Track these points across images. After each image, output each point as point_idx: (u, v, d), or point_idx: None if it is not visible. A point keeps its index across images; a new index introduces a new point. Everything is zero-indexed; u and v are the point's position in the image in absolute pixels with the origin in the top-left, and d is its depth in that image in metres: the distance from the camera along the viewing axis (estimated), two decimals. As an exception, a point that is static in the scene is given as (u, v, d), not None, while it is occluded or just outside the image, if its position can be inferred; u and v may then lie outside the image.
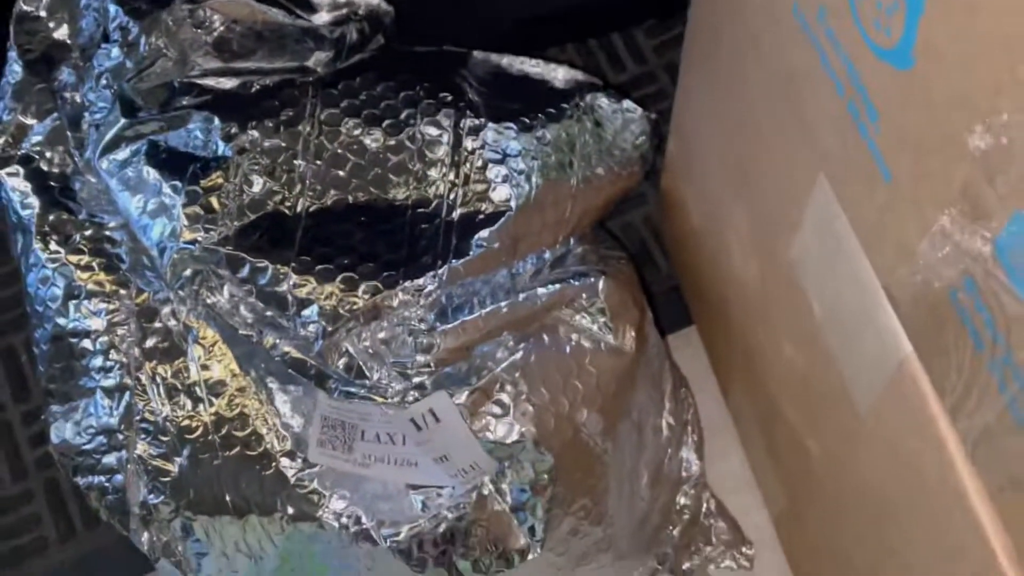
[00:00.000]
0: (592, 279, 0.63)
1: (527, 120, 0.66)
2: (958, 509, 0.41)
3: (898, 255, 0.39)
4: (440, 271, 0.60)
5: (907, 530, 0.47)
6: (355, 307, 0.59)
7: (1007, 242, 0.32)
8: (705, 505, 0.72)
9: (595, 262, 0.66)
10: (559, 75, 0.72)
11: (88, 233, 0.65)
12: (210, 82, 0.66)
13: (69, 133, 0.67)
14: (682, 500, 0.71)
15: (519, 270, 0.64)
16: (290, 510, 0.60)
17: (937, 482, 0.42)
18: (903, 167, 0.37)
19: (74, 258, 0.64)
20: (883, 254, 0.41)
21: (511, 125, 0.66)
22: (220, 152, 0.63)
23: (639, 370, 0.65)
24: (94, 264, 0.64)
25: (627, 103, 0.71)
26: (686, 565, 0.71)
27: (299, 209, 0.62)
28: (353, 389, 0.59)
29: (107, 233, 0.65)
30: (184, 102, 0.64)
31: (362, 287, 0.59)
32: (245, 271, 0.60)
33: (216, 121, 0.63)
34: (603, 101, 0.70)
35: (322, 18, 0.70)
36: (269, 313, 0.60)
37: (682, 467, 0.71)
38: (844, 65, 0.38)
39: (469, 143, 0.65)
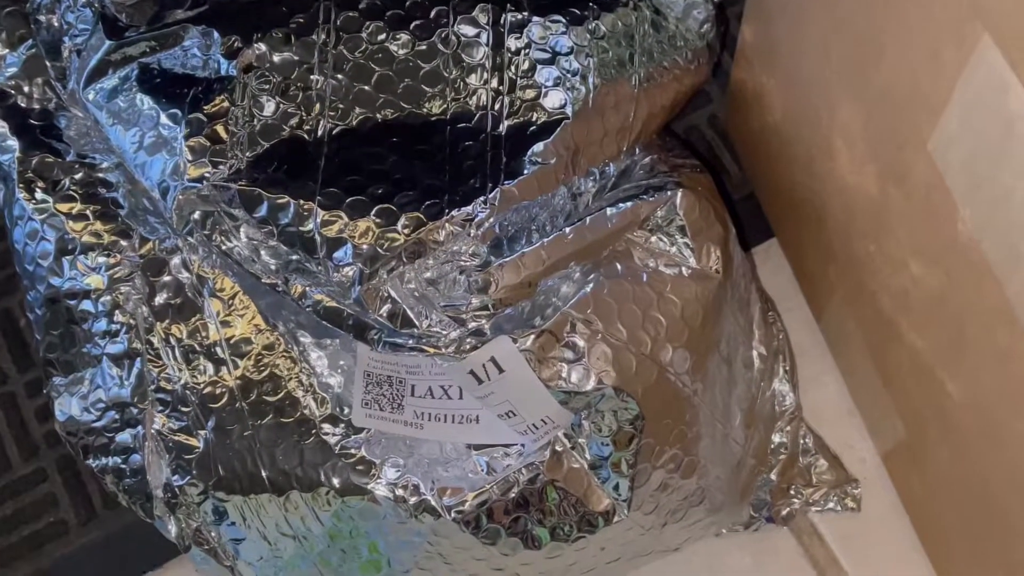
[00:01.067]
0: (668, 192, 0.54)
1: (577, 11, 0.57)
2: None
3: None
4: (491, 195, 0.51)
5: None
6: (395, 244, 0.50)
7: None
8: (802, 442, 0.64)
9: (667, 173, 0.57)
10: (609, -41, 0.62)
11: (78, 176, 0.56)
12: (205, -11, 0.56)
13: (48, 62, 0.59)
14: (777, 438, 0.63)
15: (580, 188, 0.55)
16: (336, 483, 0.52)
17: None
18: None
19: (64, 206, 0.56)
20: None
21: (559, 18, 0.56)
22: (223, 71, 0.54)
23: (726, 295, 0.56)
24: (88, 212, 0.56)
25: (688, -15, 0.61)
26: (785, 511, 0.63)
27: (320, 133, 0.53)
28: (399, 340, 0.51)
29: (100, 175, 0.56)
30: (177, 16, 0.55)
31: (402, 220, 0.50)
32: (263, 210, 0.51)
33: (215, 35, 0.54)
34: (661, -15, 0.61)
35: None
36: (295, 257, 0.51)
37: (775, 401, 0.63)
38: None
39: (512, 42, 0.55)
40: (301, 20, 0.54)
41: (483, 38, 0.55)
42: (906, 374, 0.54)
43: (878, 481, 0.64)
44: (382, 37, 0.54)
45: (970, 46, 0.36)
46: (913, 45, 0.40)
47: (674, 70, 0.59)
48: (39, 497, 0.67)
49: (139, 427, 0.54)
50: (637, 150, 0.58)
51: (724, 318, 0.56)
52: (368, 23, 0.55)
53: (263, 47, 0.54)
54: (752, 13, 0.58)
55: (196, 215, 0.52)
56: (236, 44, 0.54)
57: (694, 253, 0.54)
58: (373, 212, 0.51)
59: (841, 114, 0.49)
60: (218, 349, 0.54)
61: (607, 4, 0.58)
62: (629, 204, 0.53)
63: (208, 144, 0.52)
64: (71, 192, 0.56)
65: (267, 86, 0.53)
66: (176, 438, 0.53)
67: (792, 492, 0.63)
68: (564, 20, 0.56)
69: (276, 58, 0.53)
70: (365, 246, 0.50)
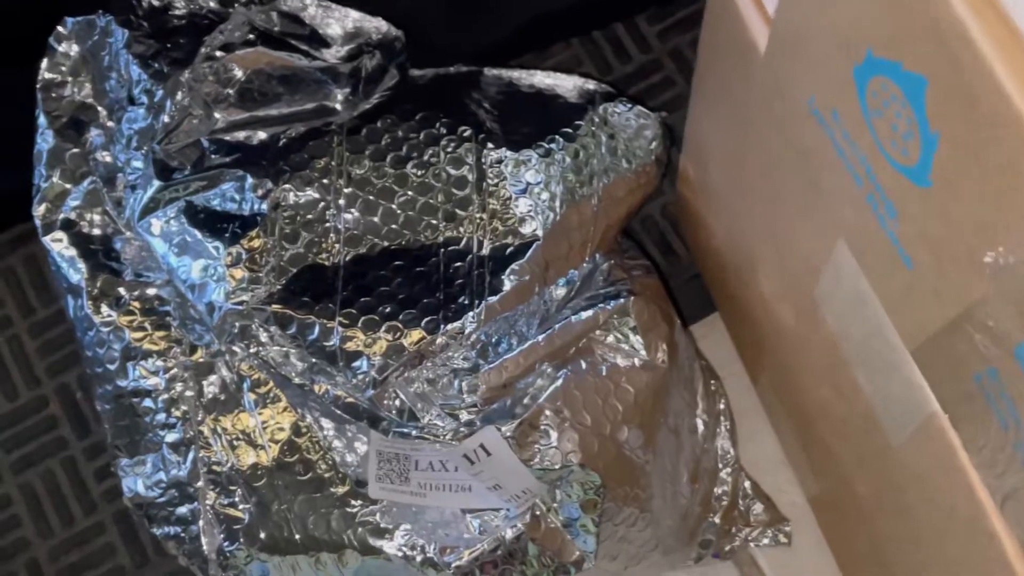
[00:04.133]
0: (622, 300, 0.66)
1: (545, 144, 0.69)
2: (990, 548, 0.44)
3: (921, 331, 0.42)
4: (478, 310, 0.63)
5: (940, 552, 0.51)
6: (402, 355, 0.62)
7: (1027, 353, 0.35)
8: (741, 488, 0.76)
9: (622, 278, 0.68)
10: (569, 86, 0.74)
11: (136, 293, 0.68)
12: (239, 136, 0.68)
13: (105, 192, 0.69)
14: (719, 488, 0.75)
15: (551, 295, 0.67)
16: (357, 545, 0.64)
17: (968, 521, 0.45)
18: (924, 262, 0.40)
19: (126, 319, 0.67)
20: (907, 325, 0.44)
21: (531, 154, 0.68)
22: (256, 209, 0.65)
23: (672, 378, 0.68)
24: (146, 324, 0.67)
25: (639, 108, 0.73)
26: (728, 547, 0.75)
27: (337, 259, 0.64)
28: (406, 430, 0.62)
29: (154, 291, 0.68)
30: (215, 160, 0.67)
31: (407, 335, 0.62)
32: (293, 328, 0.63)
33: (249, 179, 0.65)
34: (616, 110, 0.72)
35: (337, 52, 0.72)
36: (317, 361, 0.63)
37: (718, 457, 0.75)
38: (862, 165, 0.41)
39: (492, 177, 0.67)
40: (320, 164, 0.66)
41: (469, 175, 0.67)
42: (818, 452, 0.66)
43: (806, 519, 0.76)
44: (386, 177, 0.66)
45: (832, 242, 0.48)
46: (802, 229, 0.52)
47: (628, 186, 0.71)
48: (99, 546, 0.78)
49: (195, 503, 0.66)
50: (598, 256, 0.70)
51: (671, 397, 0.69)
52: (374, 165, 0.66)
53: (289, 188, 0.65)
54: (689, 154, 0.70)
55: (236, 329, 0.64)
56: (267, 186, 0.65)
57: (644, 348, 0.66)
58: (383, 328, 0.63)
59: (763, 259, 0.60)
60: (256, 436, 0.66)
61: (570, 135, 0.70)
62: (590, 312, 0.65)
63: (246, 273, 0.63)
64: (131, 307, 0.67)
65: (293, 222, 0.65)
66: (226, 512, 0.65)
67: (733, 531, 0.75)
68: (535, 155, 0.68)
69: (300, 198, 0.65)
70: (378, 358, 0.62)
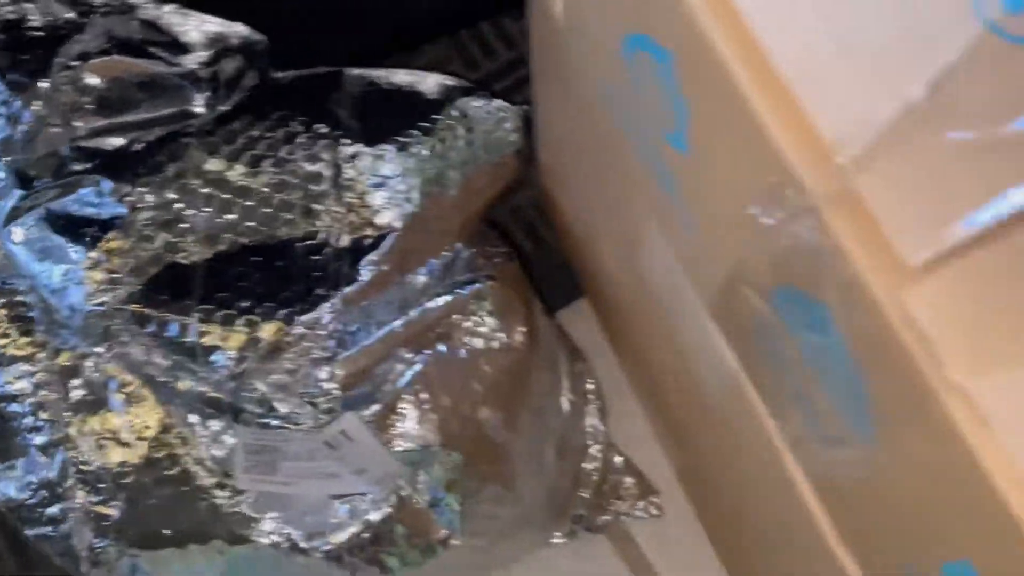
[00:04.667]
0: (479, 285, 0.68)
1: (401, 139, 0.71)
2: (789, 494, 0.47)
3: (711, 292, 0.45)
4: (334, 300, 0.65)
5: (761, 505, 0.53)
6: (259, 347, 0.64)
7: (780, 303, 0.38)
8: (613, 463, 0.79)
9: (481, 266, 0.71)
10: (430, 83, 0.76)
11: (2, 301, 0.69)
12: (98, 143, 0.69)
13: (-32, 205, 0.70)
14: (590, 464, 0.77)
15: (411, 283, 0.69)
16: (226, 536, 0.66)
17: (770, 470, 0.48)
18: (700, 225, 0.42)
19: (-9, 326, 0.68)
20: (702, 288, 0.46)
21: (387, 147, 0.70)
22: (115, 213, 0.66)
23: (532, 360, 0.70)
24: (11, 331, 0.68)
25: (498, 102, 0.75)
26: (600, 521, 0.78)
27: (195, 258, 0.66)
28: (268, 420, 0.64)
29: (19, 298, 0.69)
30: (75, 168, 0.68)
31: (263, 328, 0.64)
32: (152, 326, 0.64)
33: (107, 184, 0.66)
34: (474, 103, 0.74)
35: (198, 58, 0.74)
36: (179, 358, 0.65)
37: (586, 434, 0.77)
38: (642, 138, 0.43)
39: (349, 171, 0.69)
40: (177, 166, 0.67)
41: (325, 171, 0.68)
42: (670, 419, 0.69)
43: (678, 491, 0.79)
44: (242, 176, 0.68)
45: (645, 215, 0.50)
46: (623, 206, 0.55)
47: (486, 177, 0.73)
48: (-16, 555, 0.79)
49: (65, 502, 0.67)
50: (459, 246, 0.72)
51: (533, 378, 0.71)
52: (230, 164, 0.68)
53: (146, 191, 0.67)
54: (543, 144, 0.72)
55: (99, 330, 0.65)
56: (125, 190, 0.66)
57: (502, 331, 0.68)
58: (240, 322, 0.64)
59: (603, 239, 0.63)
60: (124, 434, 0.67)
61: (427, 129, 0.72)
62: (448, 297, 0.67)
63: (106, 275, 0.65)
64: (-4, 315, 0.68)
65: (151, 224, 0.66)
66: (96, 509, 0.66)
67: (604, 505, 0.78)
68: (391, 148, 0.70)
69: (157, 199, 0.67)
70: (235, 351, 0.64)
